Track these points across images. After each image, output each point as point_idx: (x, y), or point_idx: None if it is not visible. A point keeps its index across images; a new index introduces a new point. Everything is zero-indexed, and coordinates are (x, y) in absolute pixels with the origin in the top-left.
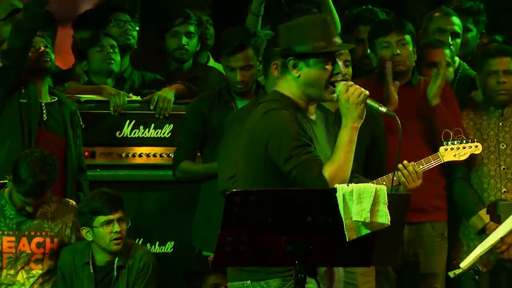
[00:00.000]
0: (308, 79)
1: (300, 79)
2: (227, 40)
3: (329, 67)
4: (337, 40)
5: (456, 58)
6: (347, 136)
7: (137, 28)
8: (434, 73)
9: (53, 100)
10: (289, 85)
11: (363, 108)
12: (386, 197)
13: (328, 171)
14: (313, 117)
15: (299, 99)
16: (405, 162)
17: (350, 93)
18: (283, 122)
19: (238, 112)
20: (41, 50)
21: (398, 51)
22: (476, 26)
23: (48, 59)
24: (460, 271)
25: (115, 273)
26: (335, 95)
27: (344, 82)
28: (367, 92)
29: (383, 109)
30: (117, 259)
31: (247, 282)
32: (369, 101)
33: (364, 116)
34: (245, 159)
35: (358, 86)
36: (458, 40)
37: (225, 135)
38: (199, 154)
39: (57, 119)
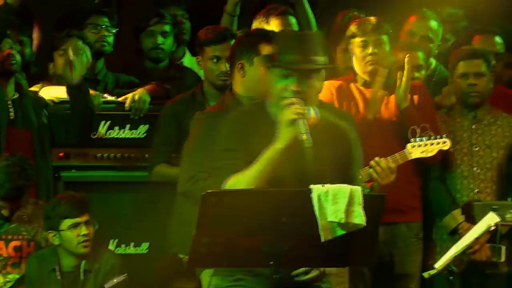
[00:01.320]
0: (271, 88)
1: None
2: (213, 31)
3: (285, 81)
4: (311, 58)
5: (432, 60)
6: (266, 154)
7: (114, 31)
8: (399, 76)
9: (16, 96)
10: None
11: (290, 131)
12: (361, 198)
13: (229, 182)
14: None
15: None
16: (376, 158)
17: (284, 113)
18: (223, 124)
19: (202, 113)
20: (5, 53)
21: (375, 50)
22: (454, 35)
23: (14, 61)
24: (435, 271)
25: (82, 277)
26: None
27: (289, 99)
28: (299, 115)
29: (302, 137)
30: (83, 263)
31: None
32: (297, 124)
33: (289, 140)
34: None
35: (298, 106)
36: (433, 45)
37: (189, 137)
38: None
39: (23, 114)
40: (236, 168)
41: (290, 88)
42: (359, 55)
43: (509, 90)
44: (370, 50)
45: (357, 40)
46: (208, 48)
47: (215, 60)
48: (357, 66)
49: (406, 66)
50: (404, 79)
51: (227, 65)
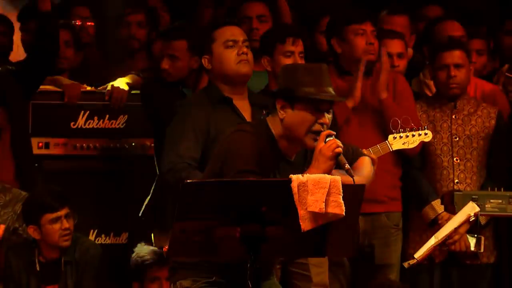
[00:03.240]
0: (291, 122)
1: (284, 120)
2: (168, 27)
3: (313, 114)
4: (329, 89)
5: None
6: None
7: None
8: (377, 68)
9: None
10: (276, 123)
11: (332, 164)
12: (341, 188)
13: None
14: (292, 159)
15: (281, 139)
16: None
17: (326, 145)
18: (242, 144)
19: (183, 103)
20: None
21: (372, 40)
22: None
23: None
24: (414, 261)
25: (62, 268)
26: (313, 142)
27: (326, 131)
28: (341, 150)
29: (346, 168)
30: (63, 254)
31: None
32: (340, 158)
33: (330, 172)
34: (208, 168)
35: (336, 140)
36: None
37: (170, 126)
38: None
39: None
40: None
41: (322, 121)
42: (355, 43)
43: (480, 80)
44: (369, 39)
45: (355, 28)
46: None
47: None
48: (348, 52)
49: (382, 58)
50: (382, 70)
51: (170, 64)
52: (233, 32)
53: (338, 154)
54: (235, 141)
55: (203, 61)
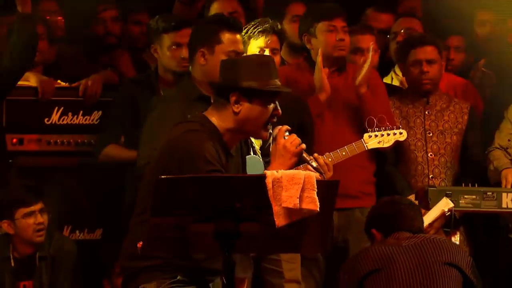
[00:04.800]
0: (247, 116)
1: (239, 114)
2: (171, 17)
3: (270, 106)
4: (277, 81)
5: None
6: None
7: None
8: (361, 61)
9: None
10: (223, 118)
11: (296, 160)
12: (315, 184)
13: None
14: (232, 151)
15: (228, 132)
16: (315, 155)
17: (288, 141)
18: (200, 144)
19: (160, 98)
20: None
21: (343, 36)
22: None
23: None
24: None
25: (37, 264)
26: (267, 133)
27: (283, 126)
28: (304, 146)
29: (314, 164)
30: (38, 250)
31: None
32: (304, 155)
33: (293, 167)
34: (154, 171)
35: (295, 136)
36: None
37: (147, 121)
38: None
39: None
40: None
41: (276, 112)
42: (325, 40)
43: (454, 76)
44: (340, 35)
45: (325, 24)
46: (167, 35)
47: (174, 47)
48: (319, 48)
49: (370, 52)
50: (365, 64)
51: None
52: (240, 44)
53: (302, 150)
54: (189, 142)
55: (199, 53)
